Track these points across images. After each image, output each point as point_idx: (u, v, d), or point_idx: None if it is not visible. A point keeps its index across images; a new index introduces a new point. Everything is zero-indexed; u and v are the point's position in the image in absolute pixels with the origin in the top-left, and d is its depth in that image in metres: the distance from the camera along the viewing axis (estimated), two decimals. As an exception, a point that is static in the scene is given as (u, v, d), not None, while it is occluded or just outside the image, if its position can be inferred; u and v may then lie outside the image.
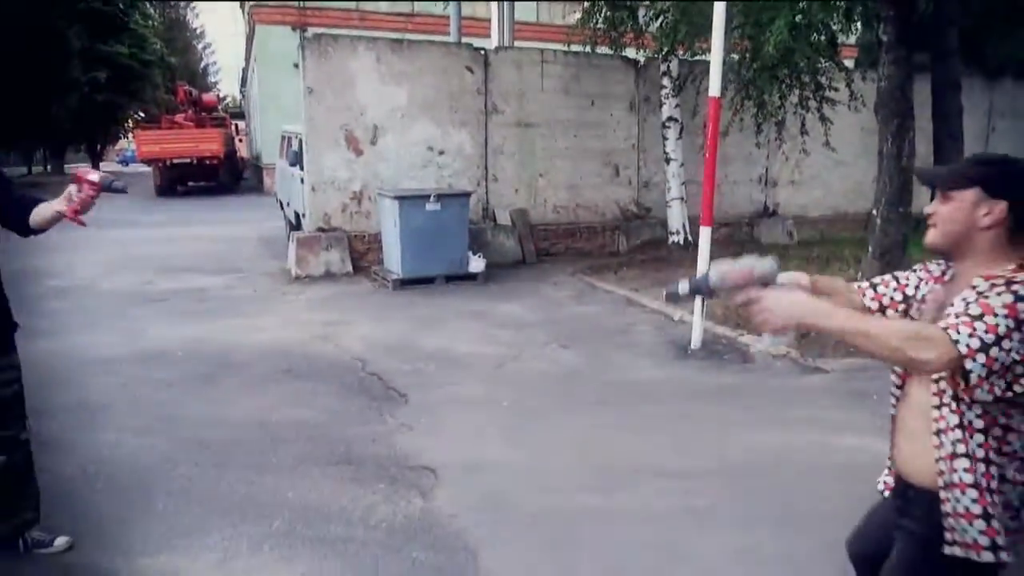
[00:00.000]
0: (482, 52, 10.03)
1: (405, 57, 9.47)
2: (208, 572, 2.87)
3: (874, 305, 1.88)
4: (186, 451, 4.02)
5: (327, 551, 3.02)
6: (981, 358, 1.44)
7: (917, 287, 1.84)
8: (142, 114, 35.49)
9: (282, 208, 12.40)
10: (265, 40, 21.90)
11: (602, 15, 10.02)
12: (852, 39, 12.40)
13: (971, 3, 12.54)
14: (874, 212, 6.88)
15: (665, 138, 10.27)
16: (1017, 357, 1.46)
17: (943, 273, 1.80)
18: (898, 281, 1.88)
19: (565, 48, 10.49)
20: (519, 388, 5.18)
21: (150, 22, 38.34)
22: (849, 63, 12.28)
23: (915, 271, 1.89)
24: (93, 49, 28.73)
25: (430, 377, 5.35)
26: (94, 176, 2.70)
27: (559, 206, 10.66)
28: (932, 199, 1.75)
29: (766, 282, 1.72)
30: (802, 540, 3.11)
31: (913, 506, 1.73)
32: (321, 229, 9.27)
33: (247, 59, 29.79)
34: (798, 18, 6.33)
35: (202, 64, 56.49)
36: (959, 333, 1.45)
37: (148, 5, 39.92)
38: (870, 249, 6.91)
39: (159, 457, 3.94)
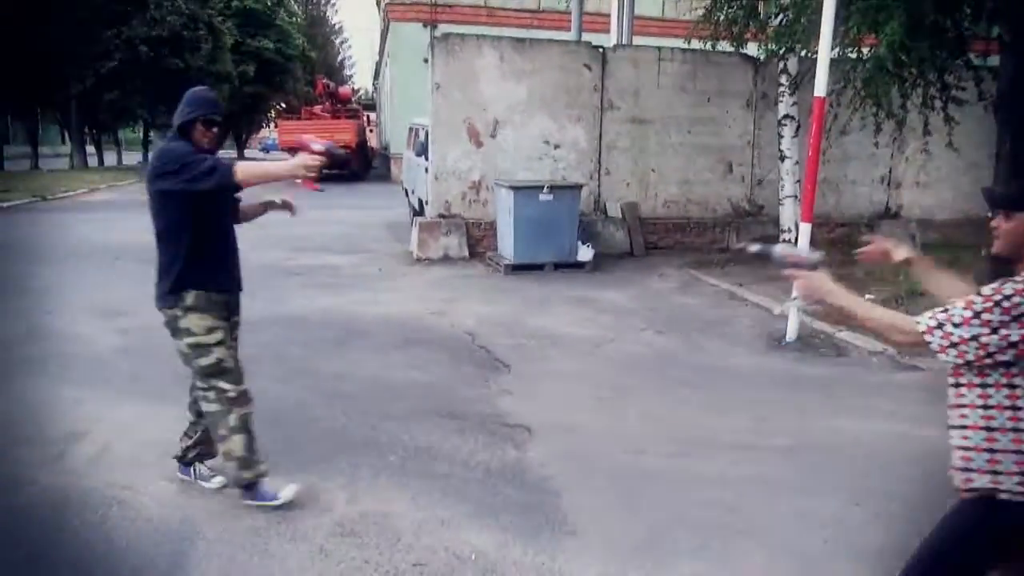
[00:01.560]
0: (600, 50, 10.38)
1: (526, 55, 9.98)
2: (336, 491, 3.45)
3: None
4: (319, 399, 4.69)
5: (433, 483, 3.56)
6: (938, 334, 1.79)
7: None
8: (283, 105, 38.08)
9: (407, 195, 13.26)
10: (398, 36, 23.07)
11: (724, 12, 10.12)
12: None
13: None
14: (988, 214, 6.72)
15: (781, 136, 10.24)
16: (987, 336, 1.76)
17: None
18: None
19: (684, 45, 10.65)
20: (613, 366, 5.57)
21: (294, 19, 40.92)
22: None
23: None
24: (243, 44, 31.19)
25: (532, 352, 5.84)
26: (318, 145, 3.02)
27: (669, 201, 10.87)
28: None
29: (813, 267, 2.16)
30: (859, 510, 3.36)
31: None
32: (442, 215, 9.95)
33: (380, 54, 31.36)
34: (913, 18, 6.29)
35: (339, 58, 59.57)
36: (922, 316, 1.81)
37: (292, 2, 42.68)
38: (984, 251, 6.78)
39: (296, 402, 4.63)
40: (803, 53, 9.29)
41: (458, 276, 8.86)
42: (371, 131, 33.09)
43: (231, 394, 3.20)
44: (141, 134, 29.08)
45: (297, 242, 10.99)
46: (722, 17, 10.13)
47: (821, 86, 5.88)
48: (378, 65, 35.01)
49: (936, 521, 2.41)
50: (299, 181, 3.02)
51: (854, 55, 8.34)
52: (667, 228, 10.86)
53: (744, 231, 10.87)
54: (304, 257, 9.75)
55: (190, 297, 3.12)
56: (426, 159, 10.38)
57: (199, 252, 3.13)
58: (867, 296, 7.29)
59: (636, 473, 3.74)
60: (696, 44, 10.49)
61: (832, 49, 6.66)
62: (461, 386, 5.02)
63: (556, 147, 10.21)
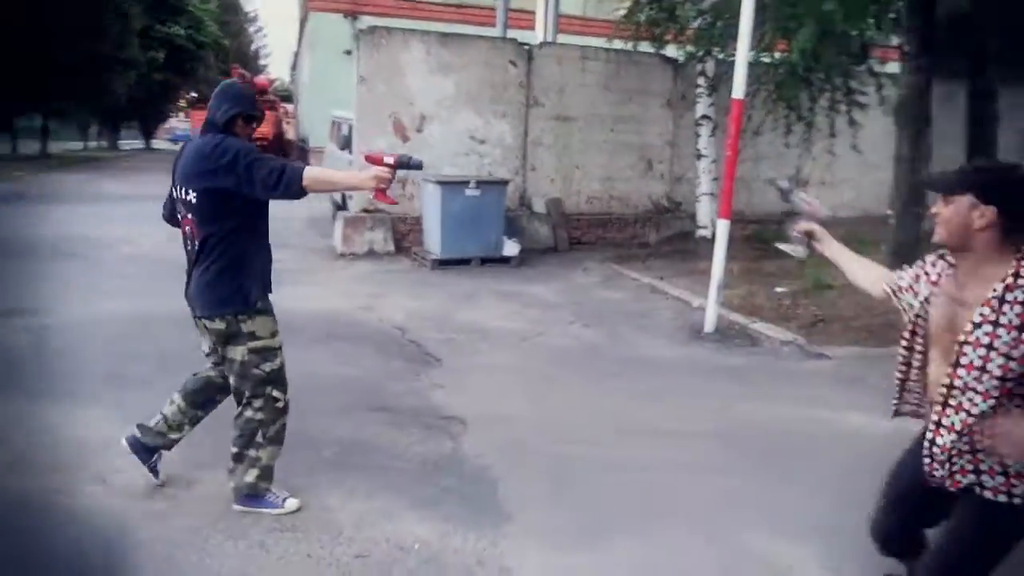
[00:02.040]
0: (526, 47, 10.52)
1: (453, 50, 10.01)
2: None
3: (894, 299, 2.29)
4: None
5: (371, 476, 3.58)
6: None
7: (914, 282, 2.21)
8: (195, 94, 36.71)
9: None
10: (318, 26, 22.60)
11: (645, 13, 10.40)
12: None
13: (1014, 13, 12.60)
14: (890, 212, 7.23)
15: (698, 135, 10.65)
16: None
17: (940, 274, 2.09)
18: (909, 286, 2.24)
19: (606, 45, 10.91)
20: (542, 359, 5.70)
21: (207, 5, 39.49)
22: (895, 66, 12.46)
23: (918, 268, 2.23)
24: (152, 29, 29.88)
25: (462, 346, 5.90)
26: (389, 159, 2.84)
27: (593, 197, 11.12)
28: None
29: (822, 223, 2.51)
30: (775, 486, 3.59)
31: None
32: (366, 210, 9.87)
33: (298, 44, 30.63)
34: (823, 26, 6.68)
35: (253, 47, 57.80)
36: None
37: (205, -13, 41.11)
38: (885, 247, 7.27)
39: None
40: (720, 56, 9.67)
41: (384, 271, 8.82)
42: (288, 123, 32.22)
43: (280, 404, 3.17)
44: (40, 123, 27.45)
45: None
46: (643, 18, 10.43)
47: (739, 89, 6.16)
48: (296, 55, 34.17)
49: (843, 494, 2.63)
50: (372, 195, 2.92)
51: (767, 60, 8.74)
52: (590, 224, 11.10)
53: (663, 227, 11.23)
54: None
55: (254, 301, 3.04)
56: (350, 153, 10.27)
57: (257, 253, 3.08)
58: (777, 289, 7.70)
59: (569, 461, 3.87)
60: (618, 44, 10.75)
61: (749, 53, 6.98)
62: (393, 380, 5.04)
63: (482, 143, 10.28)
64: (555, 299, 7.68)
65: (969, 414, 1.92)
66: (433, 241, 9.11)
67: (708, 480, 3.70)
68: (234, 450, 3.20)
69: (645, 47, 10.73)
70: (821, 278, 7.80)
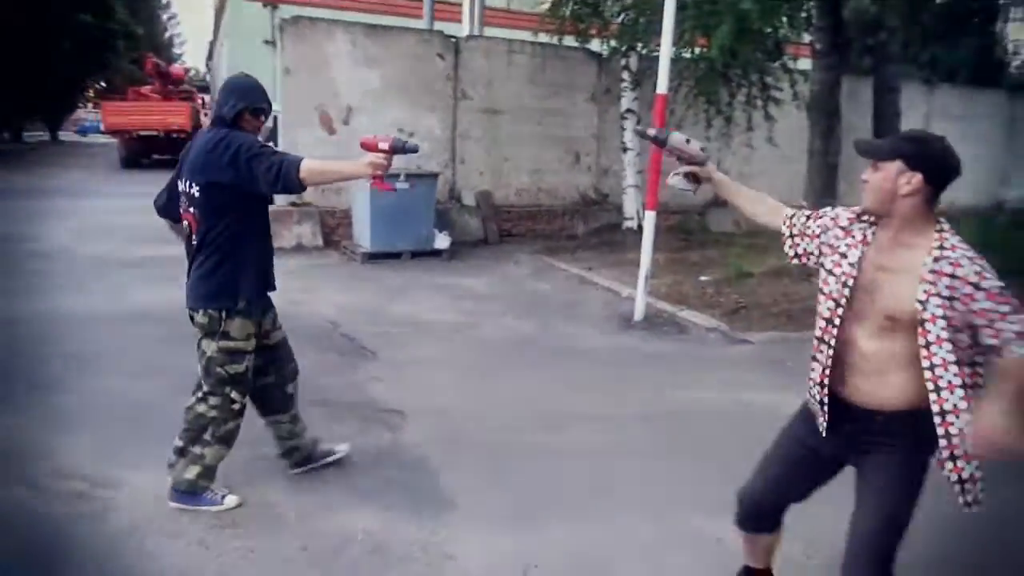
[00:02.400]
0: (453, 40, 10.52)
1: (379, 42, 9.92)
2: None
3: (787, 232, 2.38)
4: (179, 395, 4.47)
5: (311, 470, 3.57)
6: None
7: (822, 232, 2.24)
8: (104, 84, 35.04)
9: (253, 183, 12.75)
10: (236, 14, 21.91)
11: (569, 7, 10.56)
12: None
13: (914, 13, 13.38)
14: (803, 203, 7.60)
15: (623, 128, 10.90)
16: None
17: (864, 235, 2.12)
18: (811, 232, 2.30)
19: (533, 38, 11.01)
20: (477, 350, 5.77)
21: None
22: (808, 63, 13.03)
23: (825, 216, 2.26)
24: (57, 16, 28.32)
25: (397, 339, 5.90)
26: (384, 144, 2.77)
27: (522, 189, 11.23)
28: None
29: (699, 163, 2.45)
30: (703, 465, 3.77)
31: (892, 426, 2.08)
32: (293, 204, 9.70)
33: (215, 32, 29.62)
34: (741, 24, 6.97)
35: (167, 35, 55.55)
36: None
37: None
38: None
39: (155, 399, 4.41)
40: (643, 52, 9.92)
41: (314, 266, 8.70)
42: (206, 115, 31.22)
43: (236, 406, 3.17)
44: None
45: (131, 232, 10.29)
46: (567, 13, 10.58)
47: (662, 84, 6.35)
48: (212, 44, 33.04)
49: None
50: (370, 181, 2.86)
51: (688, 56, 9.02)
52: (520, 216, 11.22)
53: (591, 218, 11.45)
54: (141, 248, 9.15)
55: (240, 302, 3.04)
56: (275, 145, 10.05)
57: (255, 249, 3.09)
58: (702, 278, 7.99)
59: (506, 448, 3.95)
60: (544, 38, 10.87)
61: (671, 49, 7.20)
62: (329, 374, 5.01)
63: (411, 135, 10.21)
64: (487, 291, 7.75)
65: (964, 386, 1.97)
66: (363, 235, 9.05)
67: (639, 462, 3.85)
68: (179, 443, 3.18)
69: (570, 41, 10.90)
70: (743, 267, 8.15)
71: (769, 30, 7.78)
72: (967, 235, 2.12)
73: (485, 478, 3.61)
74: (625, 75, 10.66)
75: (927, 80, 14.61)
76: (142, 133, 22.00)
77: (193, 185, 3.00)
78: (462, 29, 12.39)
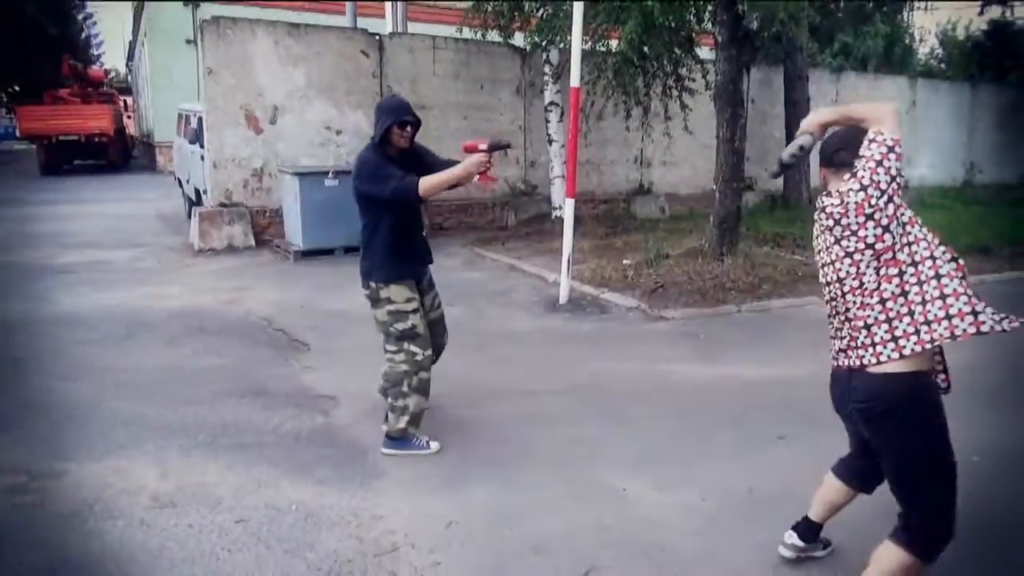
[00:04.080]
0: (377, 37, 10.66)
1: (302, 41, 10.00)
2: (146, 470, 3.55)
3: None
4: (114, 392, 4.62)
5: (245, 453, 3.77)
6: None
7: None
8: (17, 88, 33.68)
9: (181, 185, 12.65)
10: (156, 14, 21.50)
11: (491, 3, 10.79)
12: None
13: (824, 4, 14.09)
14: (714, 188, 8.06)
15: (548, 121, 11.22)
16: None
17: None
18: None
19: (456, 34, 11.23)
20: (408, 337, 5.98)
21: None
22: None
23: None
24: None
25: (330, 331, 6.08)
26: (483, 144, 3.48)
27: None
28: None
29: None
30: (618, 429, 4.11)
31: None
32: (223, 204, 9.72)
33: (135, 33, 28.85)
34: (647, 19, 7.35)
35: (83, 35, 53.50)
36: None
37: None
38: (712, 219, 8.10)
39: (89, 397, 4.53)
40: (562, 45, 10.25)
41: (246, 265, 8.77)
42: (129, 117, 30.41)
43: (419, 357, 3.76)
44: None
45: (61, 238, 10.18)
46: (489, 8, 10.83)
47: (575, 78, 6.68)
48: (132, 45, 32.15)
49: (675, 432, 3.07)
50: (477, 179, 3.49)
51: (604, 48, 9.39)
52: (451, 209, 11.44)
53: (521, 209, 11.75)
54: (71, 254, 9.07)
55: (388, 276, 3.73)
56: (202, 147, 10.05)
57: (394, 241, 3.72)
58: (624, 261, 8.38)
59: (435, 424, 4.19)
60: (468, 33, 11.09)
61: (585, 43, 7.55)
62: (262, 367, 5.18)
63: (338, 133, 10.36)
64: (419, 282, 7.95)
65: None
66: (295, 233, 9.14)
67: (561, 430, 4.16)
68: (389, 400, 3.84)
69: (494, 36, 11.15)
70: (661, 249, 8.57)
71: (675, 24, 8.17)
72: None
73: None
74: (547, 68, 10.98)
75: (836, 68, 15.38)
76: (62, 138, 21.32)
77: (354, 192, 3.76)
78: (385, 26, 12.52)
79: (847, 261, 2.26)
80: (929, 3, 17.02)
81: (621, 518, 3.21)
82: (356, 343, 5.80)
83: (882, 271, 2.20)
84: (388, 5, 12.92)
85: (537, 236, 10.58)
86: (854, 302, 2.27)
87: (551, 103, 11.11)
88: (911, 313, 2.17)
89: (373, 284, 3.76)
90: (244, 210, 9.76)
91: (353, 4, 12.93)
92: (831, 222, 2.29)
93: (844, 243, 2.25)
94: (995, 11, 19.44)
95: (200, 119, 10.13)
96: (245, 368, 5.17)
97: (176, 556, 2.85)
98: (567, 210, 6.91)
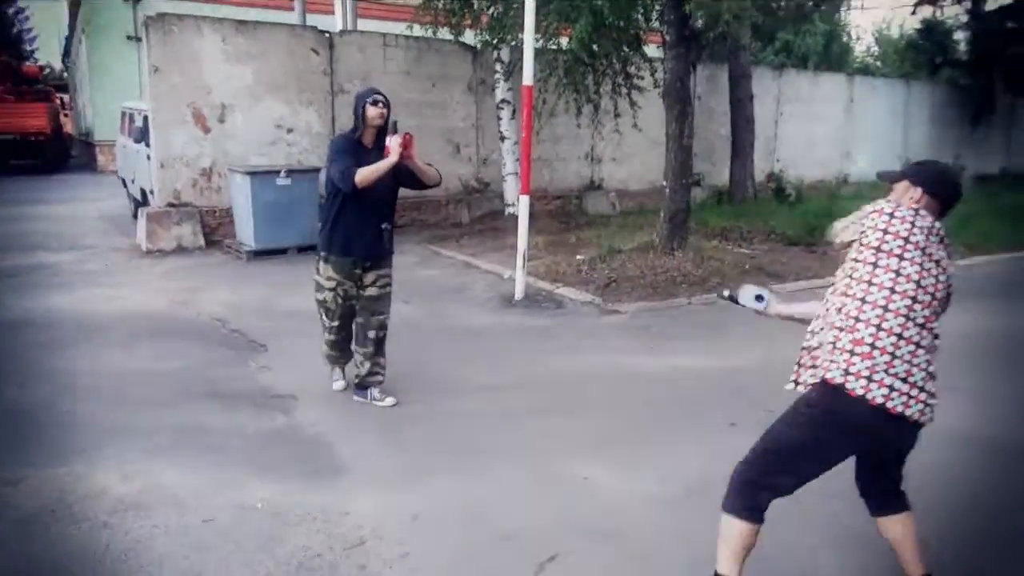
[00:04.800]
0: (327, 35, 10.58)
1: (251, 38, 9.87)
2: (108, 474, 3.52)
3: None
4: (68, 396, 4.55)
5: (208, 454, 3.77)
6: None
7: None
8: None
9: (125, 185, 12.35)
10: (94, 9, 20.85)
11: (442, 1, 10.80)
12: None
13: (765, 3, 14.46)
14: (664, 183, 8.26)
15: (499, 118, 11.31)
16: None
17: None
18: None
19: (407, 32, 11.20)
20: (367, 335, 6.01)
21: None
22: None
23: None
24: None
25: (287, 331, 6.05)
26: (392, 140, 4.05)
27: (405, 181, 11.42)
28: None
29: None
30: (577, 420, 4.22)
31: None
32: (172, 204, 9.55)
33: (71, 28, 27.91)
34: (597, 19, 7.49)
35: (15, 30, 51.50)
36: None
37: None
38: (662, 214, 8.30)
39: (43, 402, 4.45)
40: (513, 43, 10.34)
41: (197, 266, 8.64)
42: (66, 115, 29.39)
43: (326, 325, 4.49)
44: None
45: (2, 241, 9.84)
46: (440, 5, 10.84)
47: (528, 76, 6.77)
48: (68, 40, 31.07)
49: (630, 420, 3.18)
50: (404, 158, 4.07)
51: (555, 47, 9.50)
52: (404, 207, 11.42)
53: (474, 207, 11.82)
54: (14, 257, 8.80)
55: (324, 248, 4.33)
56: (147, 146, 9.85)
57: (338, 219, 4.22)
58: (578, 257, 8.52)
59: (397, 419, 4.27)
60: (418, 31, 11.08)
61: (536, 41, 7.64)
62: (220, 368, 5.15)
63: (289, 131, 10.26)
64: (375, 280, 7.95)
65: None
66: (246, 233, 9.03)
67: (522, 422, 4.25)
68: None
69: (444, 34, 11.16)
70: (613, 244, 8.74)
71: (624, 23, 8.33)
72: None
73: (377, 446, 3.92)
74: (498, 66, 11.06)
75: (778, 66, 15.81)
76: (-4, 137, 20.50)
77: None
78: (335, 23, 12.43)
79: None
80: (864, 3, 17.69)
81: (583, 505, 3.32)
82: (313, 343, 5.75)
83: None
84: (338, 2, 12.82)
85: (491, 233, 10.66)
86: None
87: (503, 101, 11.20)
88: None
89: (317, 254, 4.38)
90: (193, 210, 9.60)
91: (301, 1, 12.79)
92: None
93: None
94: (927, 11, 20.18)
95: (146, 118, 9.93)
96: (202, 370, 5.13)
97: (143, 558, 2.86)
98: (522, 207, 7.01)
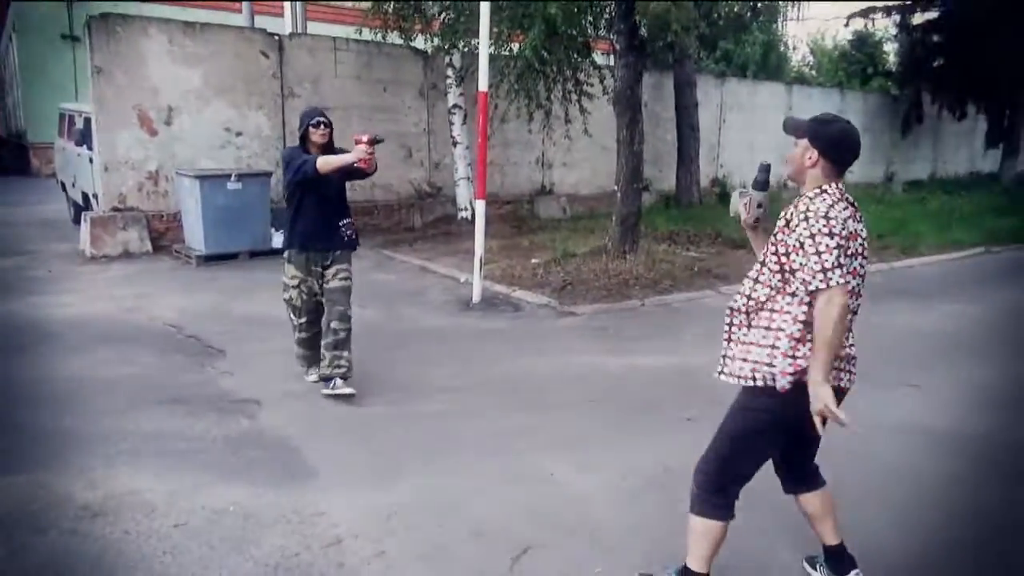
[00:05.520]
0: (276, 37, 10.49)
1: (198, 40, 9.72)
2: (70, 481, 3.47)
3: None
4: (21, 405, 4.45)
5: (174, 459, 3.74)
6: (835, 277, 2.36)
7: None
8: None
9: (65, 190, 12.00)
10: (25, 8, 20.13)
11: (391, 4, 10.81)
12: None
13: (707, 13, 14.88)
14: (615, 188, 8.46)
15: (451, 123, 11.38)
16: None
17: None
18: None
19: (357, 36, 11.18)
20: (326, 339, 6.01)
21: None
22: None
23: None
24: None
25: (244, 335, 6.01)
26: (366, 138, 4.28)
27: (356, 185, 11.39)
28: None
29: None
30: (540, 419, 4.33)
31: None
32: (117, 209, 9.33)
33: (1, 27, 26.84)
34: (550, 27, 7.64)
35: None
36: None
37: None
38: (614, 218, 8.50)
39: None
40: (465, 49, 10.43)
41: (145, 271, 8.46)
42: (-5, 116, 28.21)
43: (295, 323, 4.81)
44: None
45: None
46: (390, 9, 10.84)
47: (483, 82, 6.87)
48: (-3, 39, 29.83)
49: (591, 417, 3.29)
50: (358, 163, 4.29)
51: (507, 53, 9.63)
52: (356, 212, 11.22)
53: (427, 211, 11.86)
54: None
55: (287, 245, 4.73)
56: (90, 149, 9.60)
57: (298, 216, 4.56)
58: (533, 260, 8.64)
59: (363, 421, 4.31)
60: (368, 34, 11.06)
61: (489, 47, 7.74)
62: (177, 374, 5.09)
63: (238, 135, 10.14)
64: (330, 285, 7.93)
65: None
66: (196, 237, 8.89)
67: (486, 422, 4.34)
68: None
69: (394, 38, 11.18)
70: (567, 248, 8.90)
71: (575, 32, 8.51)
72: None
73: (345, 447, 3.95)
74: (450, 72, 11.13)
75: (720, 74, 16.27)
76: (-81, 139, 19.60)
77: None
78: (284, 25, 12.33)
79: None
80: (800, 14, 18.35)
81: (551, 499, 3.43)
82: (271, 347, 5.77)
83: None
84: (287, 4, 12.72)
85: (444, 237, 10.72)
86: None
87: (455, 106, 11.27)
88: None
89: (284, 254, 4.72)
90: (140, 215, 9.40)
91: (250, 3, 12.64)
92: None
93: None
94: (859, 23, 21.03)
95: (87, 119, 9.68)
96: (159, 376, 5.06)
97: (116, 563, 2.85)
98: (478, 211, 7.10)
